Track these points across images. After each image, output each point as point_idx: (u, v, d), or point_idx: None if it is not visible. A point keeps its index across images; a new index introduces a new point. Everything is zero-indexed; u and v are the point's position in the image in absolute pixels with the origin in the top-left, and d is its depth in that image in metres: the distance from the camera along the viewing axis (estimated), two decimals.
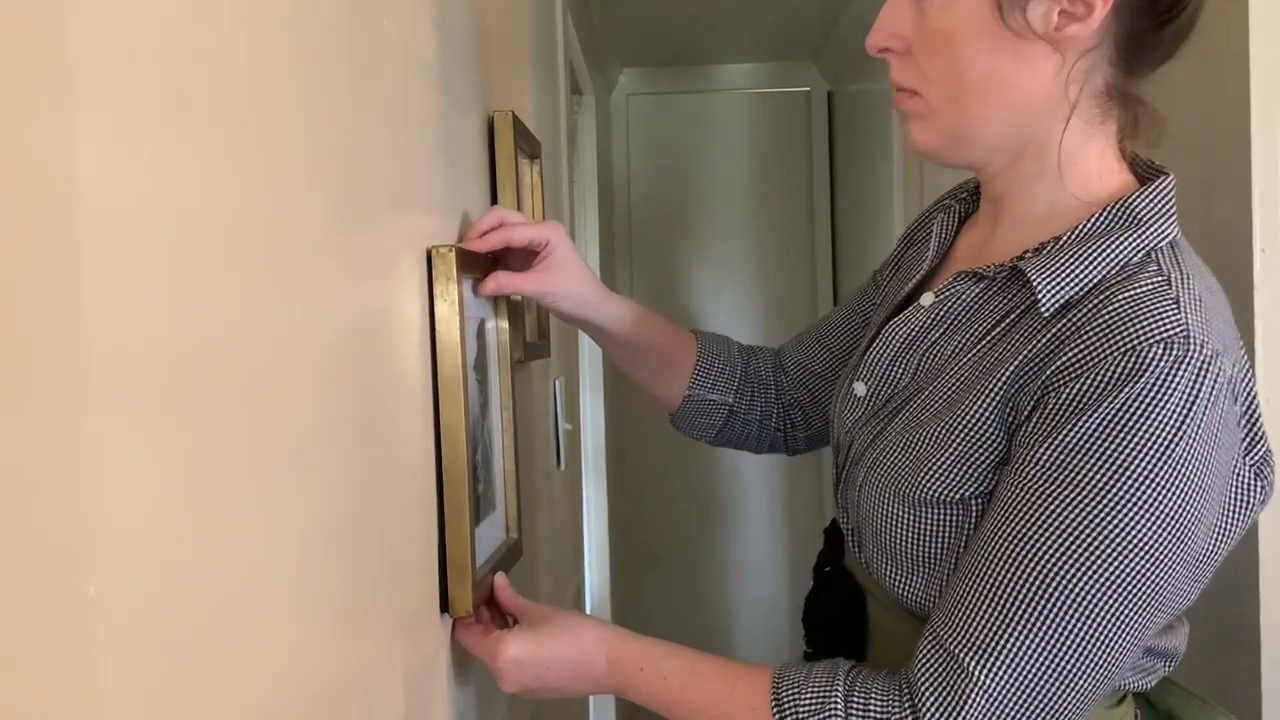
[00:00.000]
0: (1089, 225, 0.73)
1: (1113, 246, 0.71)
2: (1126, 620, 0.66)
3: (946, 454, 0.73)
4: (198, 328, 0.41)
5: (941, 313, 0.80)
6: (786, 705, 0.72)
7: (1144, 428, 0.65)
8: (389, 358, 0.68)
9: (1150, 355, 0.65)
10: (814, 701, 0.72)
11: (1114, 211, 0.73)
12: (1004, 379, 0.72)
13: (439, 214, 0.84)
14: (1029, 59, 0.72)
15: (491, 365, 0.93)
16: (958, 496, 0.73)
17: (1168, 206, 0.73)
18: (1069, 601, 0.66)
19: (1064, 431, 0.67)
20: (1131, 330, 0.66)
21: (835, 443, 0.91)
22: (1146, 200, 0.73)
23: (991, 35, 0.72)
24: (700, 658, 0.79)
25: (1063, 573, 0.66)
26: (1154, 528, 0.65)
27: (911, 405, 0.79)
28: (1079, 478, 0.66)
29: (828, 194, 3.54)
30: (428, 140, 0.81)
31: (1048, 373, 0.69)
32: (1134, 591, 0.66)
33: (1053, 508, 0.67)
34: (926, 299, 0.82)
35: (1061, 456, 0.67)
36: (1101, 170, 0.76)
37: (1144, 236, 0.72)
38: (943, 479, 0.73)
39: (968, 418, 0.73)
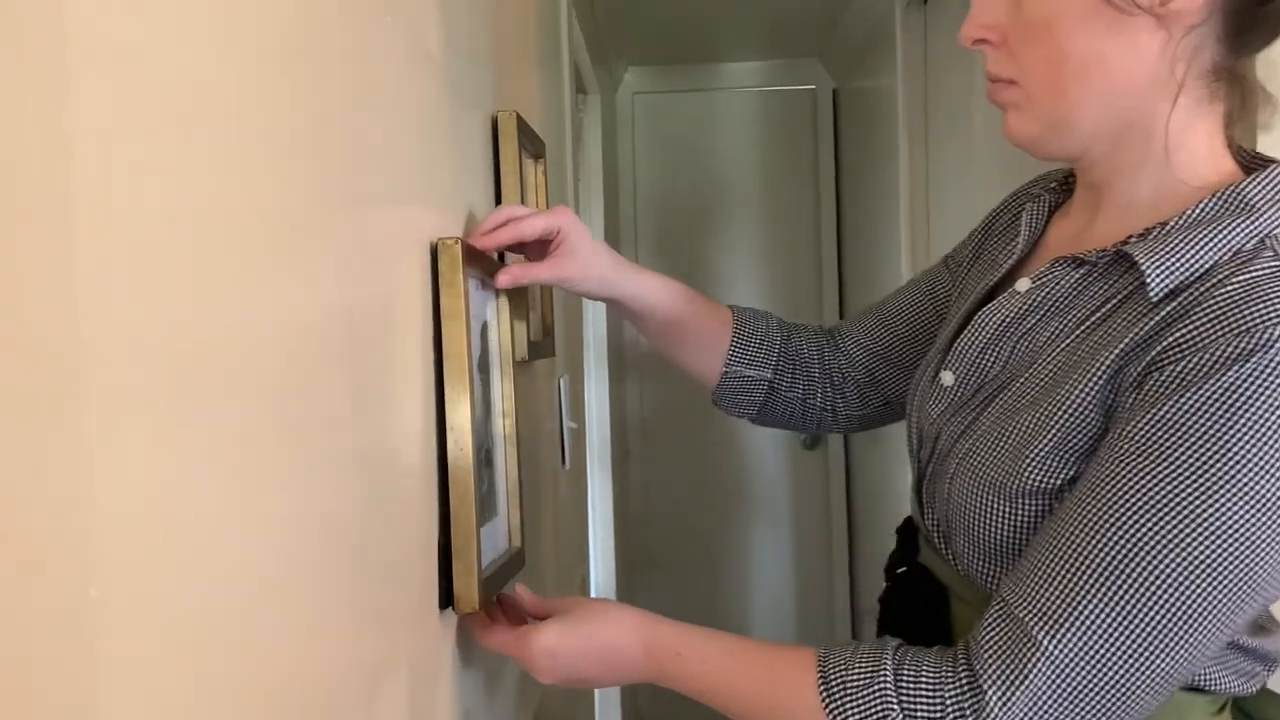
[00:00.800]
0: (1199, 210, 0.71)
1: (1225, 232, 0.69)
2: (1209, 604, 0.64)
3: (1044, 441, 0.71)
4: (198, 324, 0.41)
5: (1039, 298, 0.78)
6: (834, 682, 0.71)
7: (1252, 408, 0.62)
8: (393, 352, 0.69)
9: (1266, 336, 0.62)
10: (862, 676, 0.70)
11: (1225, 197, 0.70)
12: (1106, 363, 0.69)
13: (443, 209, 0.84)
14: (1132, 36, 0.70)
15: (494, 367, 0.93)
16: (1056, 485, 0.71)
17: None
18: (1150, 577, 0.64)
19: (1163, 406, 0.65)
20: (1248, 312, 0.64)
21: (918, 436, 0.88)
22: (1260, 186, 0.70)
23: (1093, 13, 0.70)
24: (740, 640, 0.78)
25: (1146, 547, 0.64)
26: (1250, 512, 0.62)
27: (1005, 394, 0.77)
28: (1175, 453, 0.64)
29: (833, 191, 3.54)
30: (432, 137, 0.81)
31: (1153, 353, 0.67)
32: (1220, 575, 0.63)
33: (1143, 482, 0.64)
34: (1023, 284, 0.79)
35: (1158, 432, 0.65)
36: (1210, 154, 0.74)
37: (1258, 223, 0.69)
38: (1040, 467, 0.71)
39: (1067, 403, 0.71)
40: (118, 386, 0.35)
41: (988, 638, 0.68)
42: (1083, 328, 0.74)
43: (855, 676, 0.71)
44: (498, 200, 1.06)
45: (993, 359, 0.80)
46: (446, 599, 0.79)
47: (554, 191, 1.41)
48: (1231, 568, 0.63)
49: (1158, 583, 0.64)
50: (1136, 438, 0.66)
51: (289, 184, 0.52)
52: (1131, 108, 0.72)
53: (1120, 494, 0.65)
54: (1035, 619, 0.66)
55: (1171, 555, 0.63)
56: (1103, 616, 0.65)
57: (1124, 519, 0.65)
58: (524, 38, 1.42)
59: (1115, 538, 0.65)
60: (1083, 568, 0.65)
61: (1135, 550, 0.64)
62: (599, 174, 2.92)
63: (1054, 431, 0.71)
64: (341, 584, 0.58)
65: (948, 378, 0.83)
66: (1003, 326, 0.80)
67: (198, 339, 0.41)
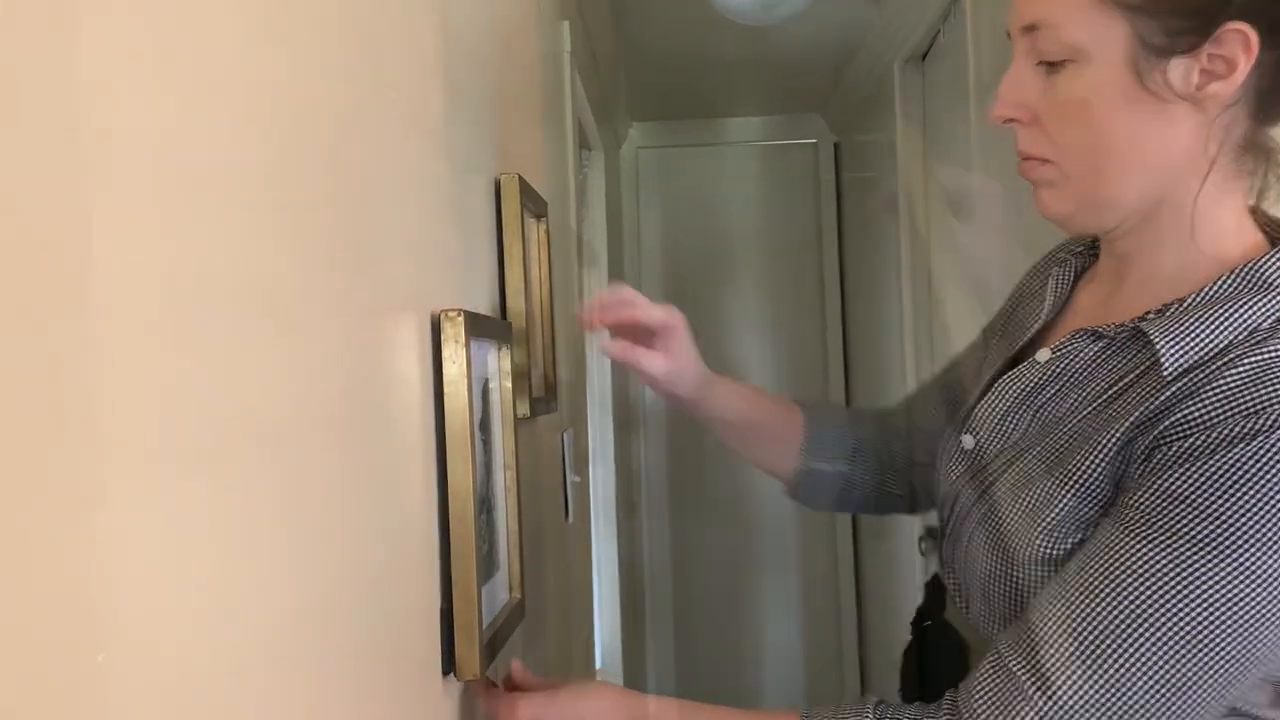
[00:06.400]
0: (1216, 288, 0.72)
1: (1241, 311, 0.70)
2: (1203, 677, 0.64)
3: (1055, 510, 0.72)
4: (203, 392, 0.42)
5: (1058, 369, 0.79)
6: None
7: (1257, 484, 0.63)
8: (394, 418, 0.69)
9: (1275, 418, 0.63)
10: None
11: (1243, 274, 0.72)
12: (1117, 435, 0.71)
13: (446, 278, 0.86)
14: (1168, 118, 0.71)
15: (495, 424, 0.94)
16: (1062, 553, 0.72)
17: None
18: (1146, 645, 0.64)
19: (1169, 478, 0.66)
20: (1258, 394, 0.65)
21: (941, 497, 0.90)
22: (1277, 263, 0.71)
23: (1130, 100, 0.71)
24: (722, 709, 0.79)
25: (1144, 616, 0.64)
26: (1250, 586, 0.63)
27: (1022, 461, 0.78)
28: (1178, 525, 0.65)
29: (836, 242, 3.57)
30: (434, 204, 0.83)
31: (1162, 426, 0.68)
32: (1217, 648, 0.64)
33: (1146, 551, 0.65)
34: (1043, 355, 0.81)
35: (1163, 503, 0.66)
36: (1237, 227, 0.75)
37: (1274, 302, 0.70)
38: (1049, 536, 0.72)
39: (1079, 473, 0.72)
40: (121, 452, 0.36)
41: (979, 686, 0.69)
42: (1099, 401, 0.75)
43: None
44: (500, 262, 1.08)
45: (1012, 426, 0.81)
46: (449, 664, 0.79)
47: (557, 248, 1.43)
48: (1229, 641, 0.64)
49: (1153, 651, 0.64)
50: (1142, 507, 0.66)
51: (292, 255, 0.53)
52: (1165, 186, 0.73)
53: (1122, 561, 0.66)
54: (1028, 673, 0.67)
55: (1169, 625, 0.64)
56: (1096, 679, 0.65)
57: (1124, 586, 0.65)
58: (527, 98, 1.44)
59: (1114, 603, 0.65)
60: (1080, 629, 0.66)
61: (1133, 617, 0.65)
62: (603, 230, 2.95)
63: (1065, 501, 0.72)
64: (344, 647, 0.58)
65: (968, 441, 0.84)
66: (1022, 395, 0.81)
67: (201, 406, 0.42)
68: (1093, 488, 0.71)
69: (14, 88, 0.31)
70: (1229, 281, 0.72)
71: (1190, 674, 0.64)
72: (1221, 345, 0.69)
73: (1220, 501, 0.64)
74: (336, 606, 0.57)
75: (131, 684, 0.36)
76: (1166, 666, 0.64)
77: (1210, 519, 0.64)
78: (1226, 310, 0.70)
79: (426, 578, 0.76)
